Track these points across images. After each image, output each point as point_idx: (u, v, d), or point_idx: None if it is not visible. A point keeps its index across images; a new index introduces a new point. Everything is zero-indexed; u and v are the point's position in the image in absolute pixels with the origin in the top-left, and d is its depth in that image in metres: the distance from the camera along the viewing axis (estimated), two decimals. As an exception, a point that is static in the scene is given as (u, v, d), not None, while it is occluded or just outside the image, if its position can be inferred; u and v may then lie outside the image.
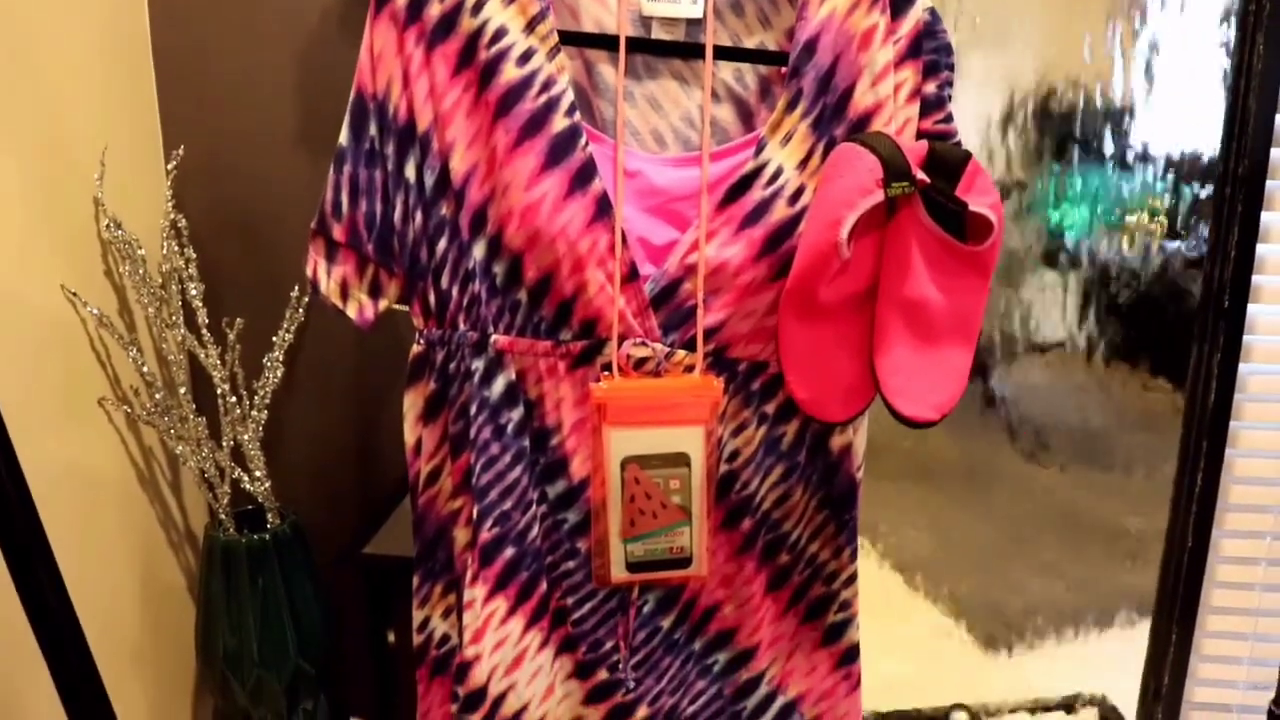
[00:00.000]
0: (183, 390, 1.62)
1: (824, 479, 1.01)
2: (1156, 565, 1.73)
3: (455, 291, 0.94)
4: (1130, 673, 1.83)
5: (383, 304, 0.98)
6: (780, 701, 1.08)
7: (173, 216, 1.60)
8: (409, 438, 1.00)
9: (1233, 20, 1.50)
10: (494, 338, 0.93)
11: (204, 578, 1.67)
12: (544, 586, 1.00)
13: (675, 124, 0.96)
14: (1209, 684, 1.74)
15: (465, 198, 0.91)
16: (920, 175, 0.89)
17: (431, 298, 0.95)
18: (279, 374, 1.64)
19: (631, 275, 0.91)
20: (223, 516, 1.66)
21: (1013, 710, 1.85)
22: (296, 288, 1.64)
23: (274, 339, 1.63)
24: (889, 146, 0.88)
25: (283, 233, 1.71)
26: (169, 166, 1.62)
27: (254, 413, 1.64)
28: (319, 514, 1.79)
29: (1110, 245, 1.67)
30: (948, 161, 0.91)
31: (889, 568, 1.91)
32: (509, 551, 0.97)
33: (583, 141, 0.88)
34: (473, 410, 0.94)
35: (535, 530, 0.98)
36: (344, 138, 0.93)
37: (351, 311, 0.97)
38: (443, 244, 0.93)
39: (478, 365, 0.94)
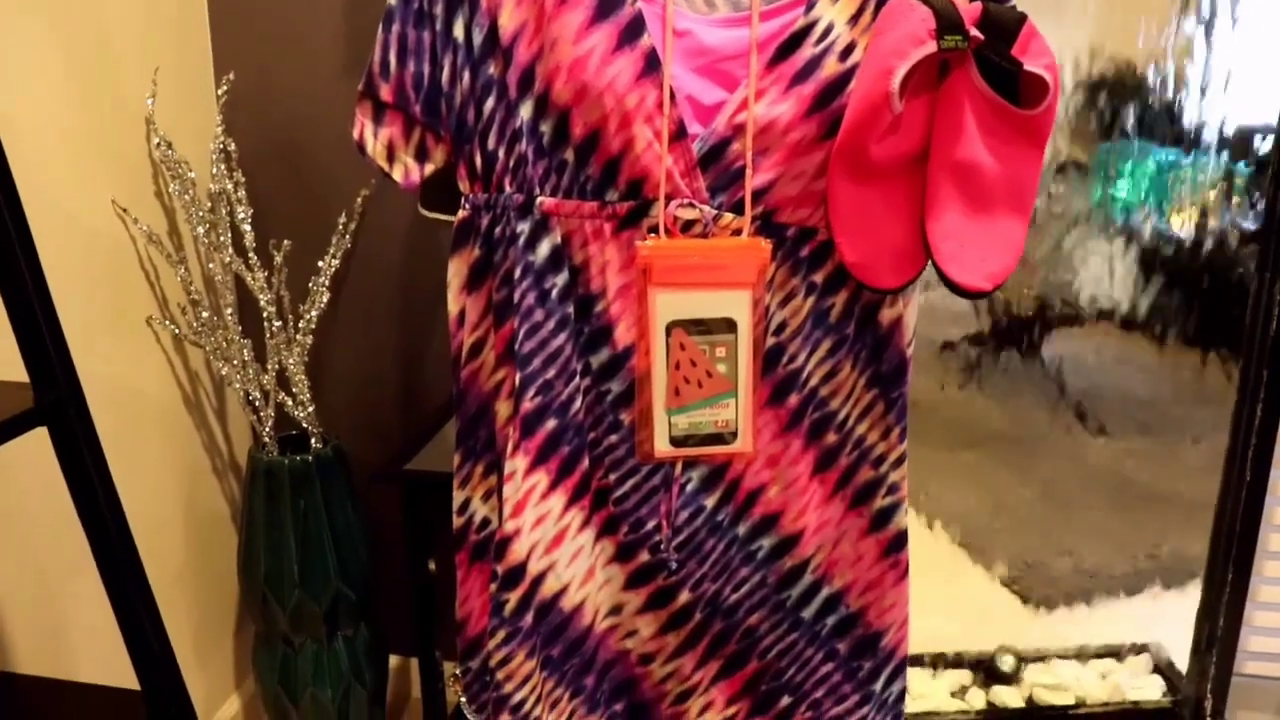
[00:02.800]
0: (229, 312, 1.63)
1: (873, 354, 0.99)
2: (1207, 531, 1.70)
3: (501, 153, 0.93)
4: (1182, 630, 1.79)
5: (429, 168, 0.97)
6: (825, 592, 1.06)
7: (222, 140, 1.61)
8: (452, 308, 0.99)
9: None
10: (540, 199, 0.92)
11: (246, 499, 1.68)
12: (586, 463, 0.98)
13: (725, -16, 0.95)
14: (1264, 632, 1.70)
15: (513, 56, 0.90)
16: (974, 32, 0.87)
17: (478, 160, 0.94)
18: (324, 300, 1.64)
19: (679, 133, 0.89)
20: (266, 439, 1.67)
21: (1060, 657, 1.81)
22: (344, 214, 1.65)
23: (320, 264, 1.64)
24: (942, 0, 0.86)
25: (331, 160, 1.72)
26: (219, 91, 1.64)
27: (299, 337, 1.64)
28: (361, 440, 1.79)
29: (1165, 218, 1.65)
30: (1003, 22, 0.89)
31: (937, 530, 1.89)
32: (551, 423, 0.96)
33: None
34: (517, 275, 0.93)
35: (578, 402, 0.96)
36: (392, -3, 0.93)
37: (397, 175, 0.97)
38: (490, 104, 0.92)
39: (523, 228, 0.93)
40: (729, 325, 0.93)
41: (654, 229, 0.91)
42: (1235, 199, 1.62)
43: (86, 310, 1.47)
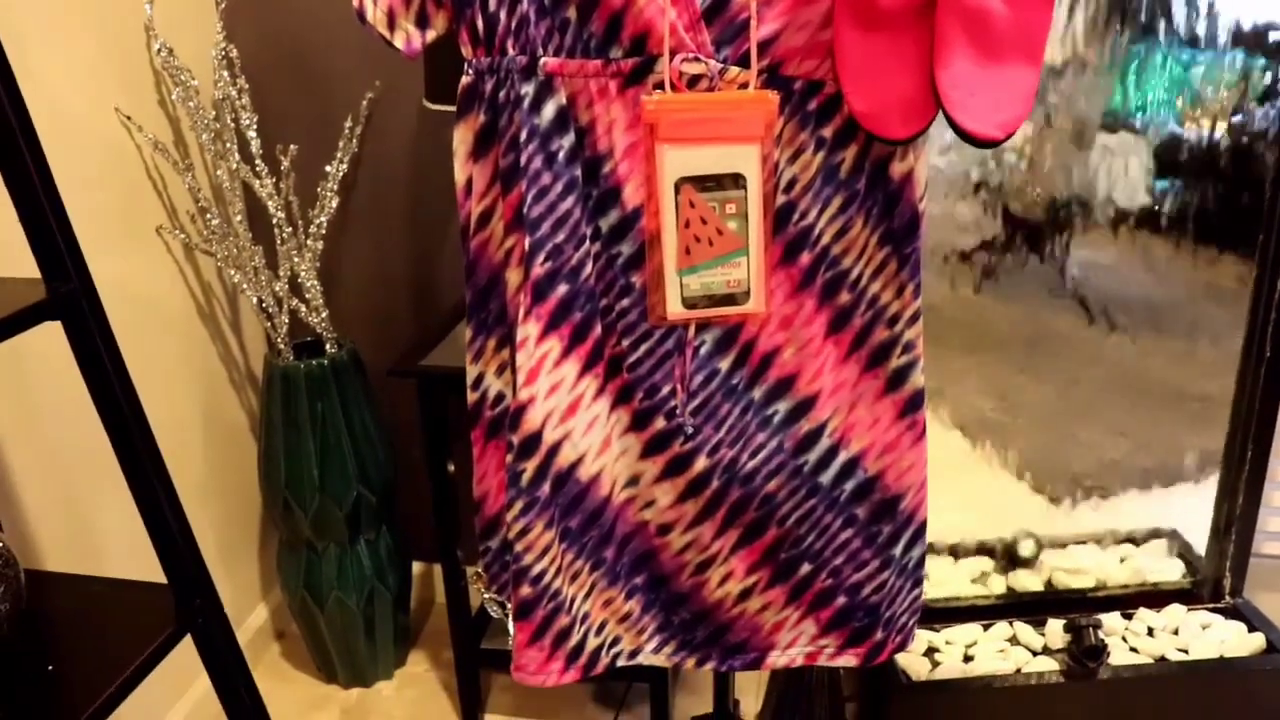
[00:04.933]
0: (238, 219, 1.63)
1: (885, 210, 0.98)
2: (1225, 427, 1.69)
3: (503, 14, 0.92)
4: (1200, 520, 1.80)
5: (430, 34, 0.96)
6: (843, 456, 1.06)
7: (224, 46, 1.60)
8: (459, 177, 0.99)
9: None
10: (543, 60, 0.91)
11: (264, 406, 1.69)
12: (598, 330, 0.98)
13: None
14: (1284, 512, 1.70)
15: (511, -88, 0.89)
16: None
17: (479, 23, 0.93)
18: (333, 204, 1.64)
19: (682, -15, 0.88)
20: (281, 346, 1.67)
21: (1080, 543, 1.82)
22: (349, 118, 1.64)
23: (327, 169, 1.63)
24: None
25: (333, 64, 1.70)
26: (218, -4, 1.62)
27: (309, 242, 1.64)
28: (376, 344, 1.80)
29: (1178, 119, 1.62)
30: None
31: (955, 430, 1.88)
32: (562, 288, 0.95)
33: None
34: (523, 138, 0.92)
35: (589, 268, 0.96)
36: None
37: (399, 42, 0.96)
38: (489, -37, 0.91)
39: (527, 90, 0.92)
40: (738, 181, 0.92)
41: (659, 85, 0.90)
42: (1250, 97, 1.59)
43: (96, 221, 1.47)
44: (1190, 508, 1.80)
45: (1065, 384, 1.84)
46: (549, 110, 0.92)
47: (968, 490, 1.87)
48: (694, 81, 0.91)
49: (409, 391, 1.61)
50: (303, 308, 1.66)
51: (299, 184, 1.65)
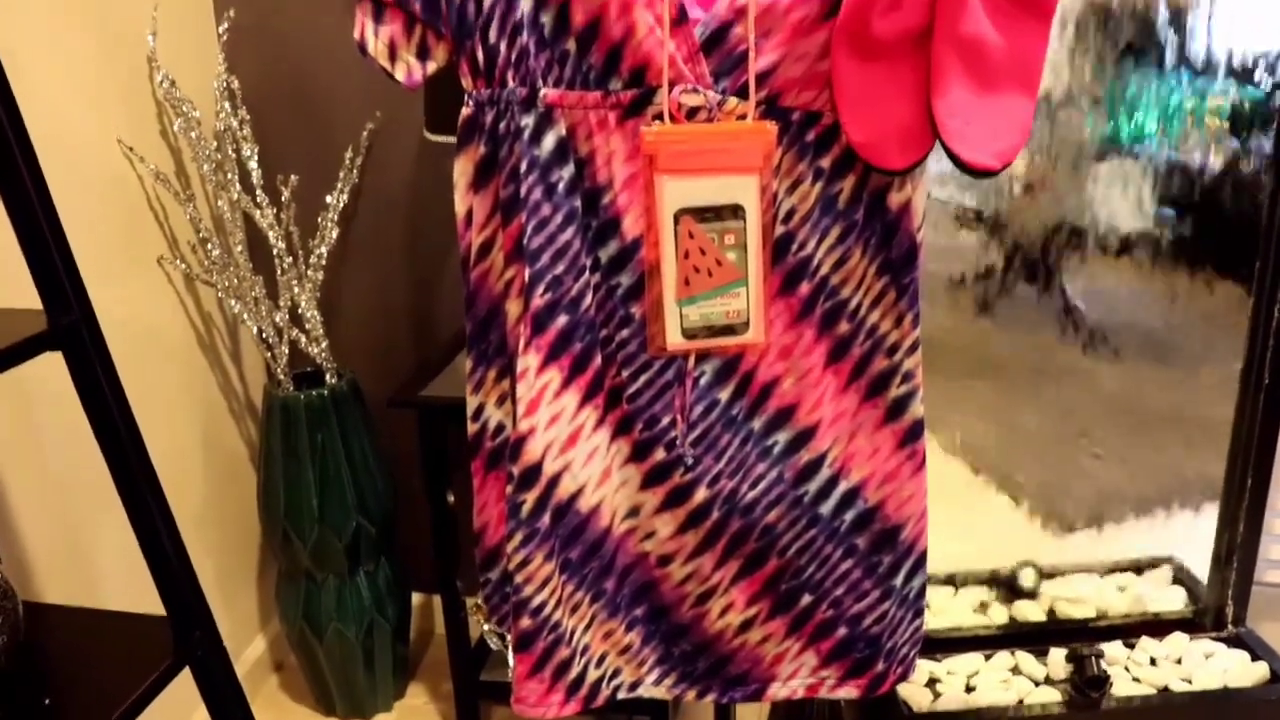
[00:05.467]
0: (239, 250, 1.63)
1: (883, 239, 0.98)
2: (1224, 453, 1.69)
3: (503, 46, 0.92)
4: (1201, 548, 1.79)
5: (431, 66, 0.97)
6: (843, 487, 1.05)
7: (226, 78, 1.61)
8: (459, 208, 0.99)
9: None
10: (543, 92, 0.92)
11: (264, 437, 1.69)
12: (598, 361, 0.98)
13: None
14: (1286, 540, 1.69)
15: (511, -54, 0.90)
16: (978, -99, 0.86)
17: (479, 55, 0.93)
18: (334, 235, 1.65)
19: (681, 18, 0.89)
20: (281, 376, 1.67)
21: (1081, 571, 1.81)
22: (350, 149, 1.65)
23: (328, 200, 1.64)
24: None
25: (334, 96, 1.71)
26: (221, 29, 1.63)
27: (310, 273, 1.65)
28: (376, 374, 1.80)
29: (1173, 145, 1.63)
30: (1006, -108, 0.87)
31: (953, 458, 1.88)
32: (562, 319, 0.95)
33: None
34: (523, 169, 0.93)
35: (589, 299, 0.96)
36: (388, -108, 0.92)
37: (400, 74, 0.97)
38: (489, -3, 0.91)
39: (527, 122, 0.92)
40: (737, 212, 0.92)
41: (658, 116, 0.91)
42: (1246, 123, 1.60)
43: (97, 251, 1.48)
44: (1191, 535, 1.79)
45: (1064, 410, 1.84)
46: (549, 141, 0.93)
47: (967, 518, 1.87)
48: (693, 113, 0.91)
49: (409, 421, 1.61)
50: (303, 338, 1.66)
51: (299, 214, 1.66)
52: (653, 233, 0.93)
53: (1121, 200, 1.68)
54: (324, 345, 1.67)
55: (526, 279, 0.94)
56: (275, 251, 1.63)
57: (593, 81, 0.91)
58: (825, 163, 0.95)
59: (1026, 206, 1.70)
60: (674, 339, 0.96)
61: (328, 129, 1.71)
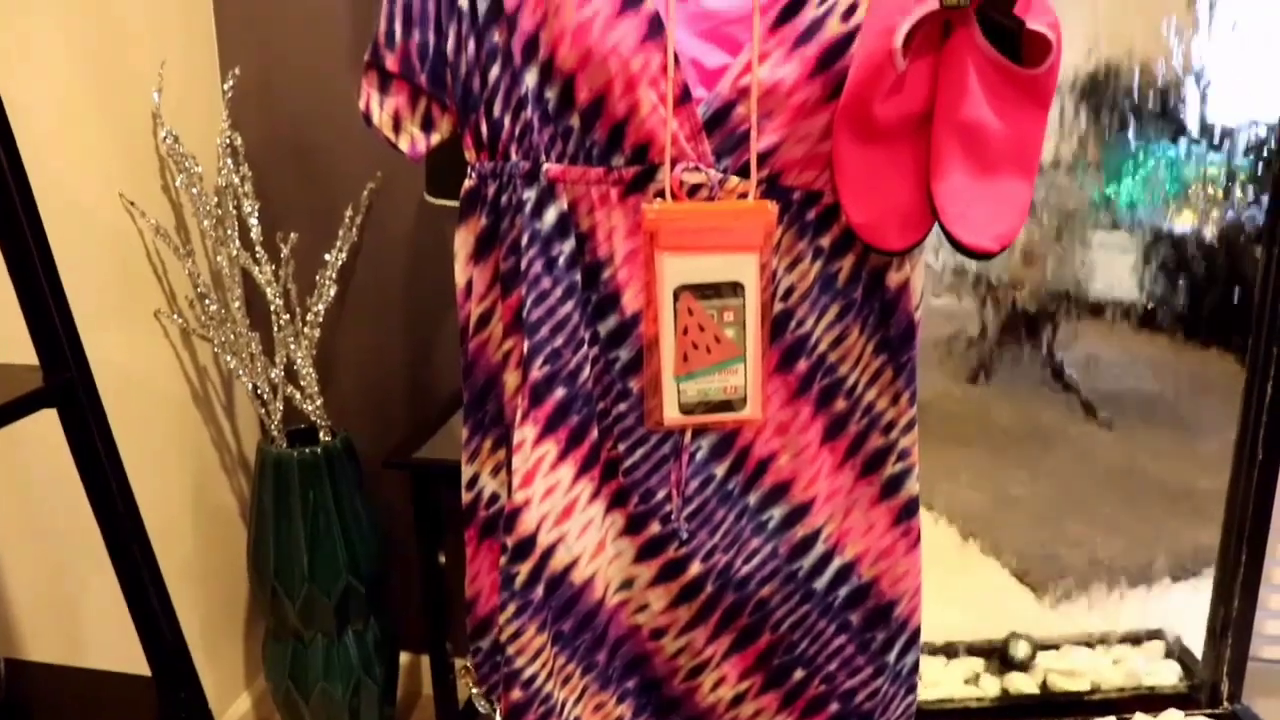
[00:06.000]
0: (236, 305, 1.64)
1: (881, 318, 0.98)
2: (1220, 523, 1.69)
3: (507, 121, 0.93)
4: (1196, 619, 1.78)
5: (435, 138, 0.97)
6: (837, 562, 1.05)
7: (229, 135, 1.62)
8: (459, 279, 0.99)
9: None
10: (546, 166, 0.92)
11: (255, 493, 1.68)
12: (595, 434, 0.98)
13: (728, -51, 0.95)
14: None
15: (517, 23, 0.91)
16: (977, -11, 0.87)
17: (483, 128, 0.94)
18: (331, 293, 1.65)
19: (684, 97, 0.89)
20: (274, 433, 1.67)
21: (1075, 643, 1.80)
22: (350, 208, 1.66)
23: (326, 257, 1.64)
24: (945, -42, 0.86)
25: (336, 154, 1.72)
26: (225, 86, 1.65)
27: (306, 330, 1.65)
28: (370, 433, 1.79)
29: (1168, 212, 1.65)
30: (1005, -19, 0.89)
31: (948, 526, 1.88)
32: (560, 392, 0.95)
33: None
34: (524, 242, 0.93)
35: (586, 372, 0.96)
36: (397, -34, 0.93)
37: (404, 145, 0.97)
38: (495, 71, 0.92)
39: (529, 196, 0.93)
40: (736, 289, 0.93)
41: (660, 193, 0.91)
42: (1240, 194, 1.62)
43: (95, 304, 1.48)
44: (1186, 606, 1.79)
45: (1059, 478, 1.84)
46: (550, 215, 0.93)
47: (960, 586, 1.86)
48: (694, 190, 0.92)
49: (401, 480, 1.60)
50: (297, 395, 1.66)
51: (298, 271, 1.66)
52: (652, 308, 0.93)
53: (1115, 268, 1.69)
54: (319, 402, 1.66)
55: (525, 351, 0.95)
56: (273, 308, 1.63)
57: (595, 157, 0.92)
58: (825, 242, 0.95)
59: (1020, 272, 1.71)
60: (671, 414, 0.96)
61: (328, 187, 1.72)
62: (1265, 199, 1.58)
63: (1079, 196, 1.65)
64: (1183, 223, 1.65)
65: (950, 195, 0.91)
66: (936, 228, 0.93)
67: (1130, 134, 1.61)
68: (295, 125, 1.73)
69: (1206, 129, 1.59)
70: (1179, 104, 1.59)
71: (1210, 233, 1.63)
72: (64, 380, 1.10)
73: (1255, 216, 1.60)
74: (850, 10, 0.89)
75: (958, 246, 0.91)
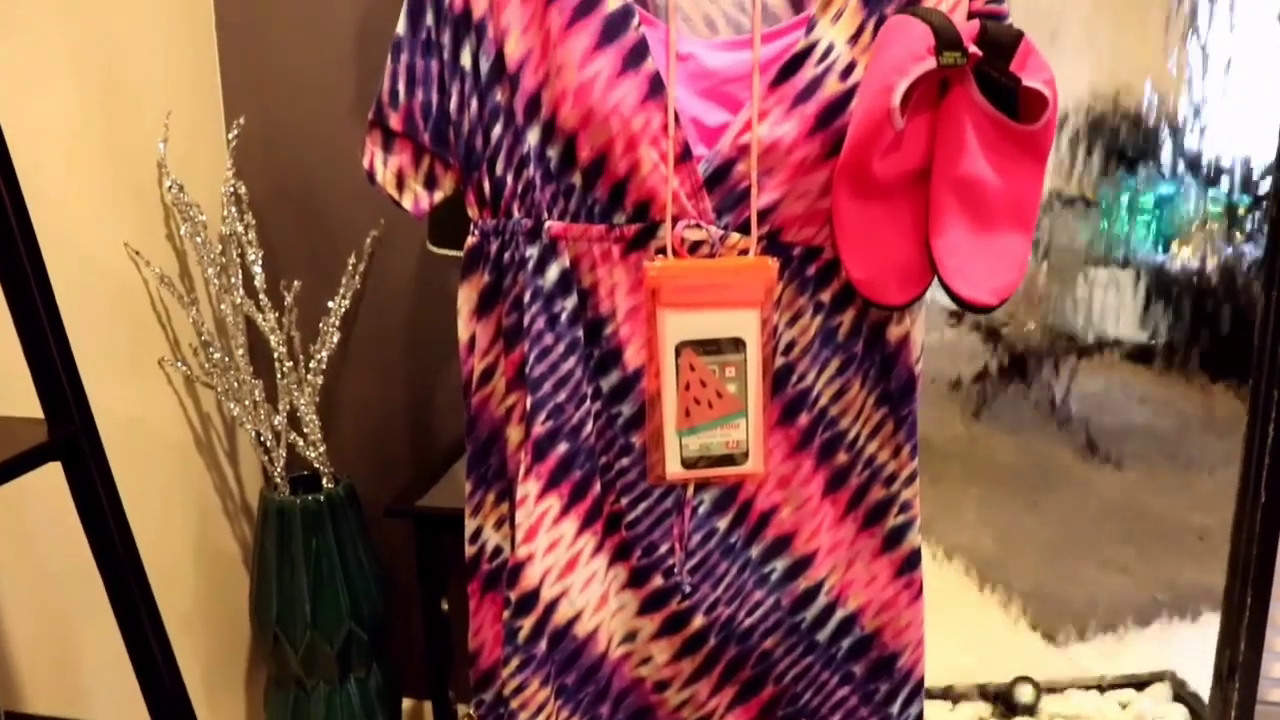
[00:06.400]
0: (240, 353, 1.64)
1: (882, 372, 0.99)
2: (1224, 561, 1.68)
3: (510, 179, 0.94)
4: (1201, 661, 1.77)
5: (438, 195, 0.98)
6: (840, 614, 1.05)
7: (233, 183, 1.63)
8: (463, 334, 1.00)
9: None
10: (548, 224, 0.93)
11: (258, 540, 1.68)
12: (598, 488, 0.98)
13: (726, 9, 0.96)
14: (1287, 658, 1.68)
15: (519, 83, 0.92)
16: (973, 49, 0.88)
17: (486, 186, 0.95)
18: (335, 340, 1.65)
19: (685, 155, 0.91)
20: (277, 480, 1.67)
21: (1080, 688, 1.79)
22: (353, 255, 1.67)
23: (330, 305, 1.65)
24: (940, 18, 0.88)
25: (340, 202, 1.73)
26: (230, 135, 1.66)
27: (310, 377, 1.65)
28: (373, 480, 1.79)
29: (1168, 249, 1.66)
30: (1000, 40, 0.90)
31: (951, 565, 1.88)
32: (562, 447, 0.96)
33: (635, 21, 0.89)
34: (526, 299, 0.94)
35: (589, 427, 0.97)
36: (401, 28, 0.94)
37: (407, 202, 0.98)
38: (497, 130, 0.93)
39: (531, 253, 0.94)
40: (738, 345, 0.93)
41: (661, 250, 0.92)
42: (1237, 230, 1.63)
43: (99, 352, 1.48)
44: (1193, 646, 1.78)
45: (1063, 517, 1.84)
46: (553, 272, 0.94)
47: (963, 627, 1.85)
48: (695, 247, 0.93)
49: (404, 526, 1.60)
50: (300, 442, 1.66)
51: (301, 319, 1.67)
52: (654, 364, 0.94)
53: (1117, 305, 1.70)
54: (322, 450, 1.67)
55: (528, 407, 0.95)
56: (276, 355, 1.63)
57: (597, 215, 0.93)
58: (825, 297, 0.96)
59: (1022, 310, 1.72)
60: (674, 468, 0.96)
61: (332, 235, 1.73)
62: (1264, 238, 1.58)
63: (1078, 233, 1.66)
64: (1182, 258, 1.65)
65: (949, 250, 0.92)
66: (935, 281, 0.94)
67: (1128, 171, 1.62)
68: (299, 174, 1.74)
69: (1204, 166, 1.60)
70: (1178, 141, 1.60)
71: (1210, 267, 1.64)
72: (68, 434, 1.10)
73: (1251, 252, 1.61)
74: (849, 69, 0.90)
75: (957, 301, 0.92)
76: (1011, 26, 0.92)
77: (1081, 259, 1.68)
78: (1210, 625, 1.73)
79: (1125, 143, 1.62)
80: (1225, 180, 1.61)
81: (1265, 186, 1.58)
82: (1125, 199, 1.65)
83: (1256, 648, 1.67)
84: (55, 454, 1.10)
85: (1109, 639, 1.85)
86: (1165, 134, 1.61)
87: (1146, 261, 1.66)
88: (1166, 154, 1.62)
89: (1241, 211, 1.61)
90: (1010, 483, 1.83)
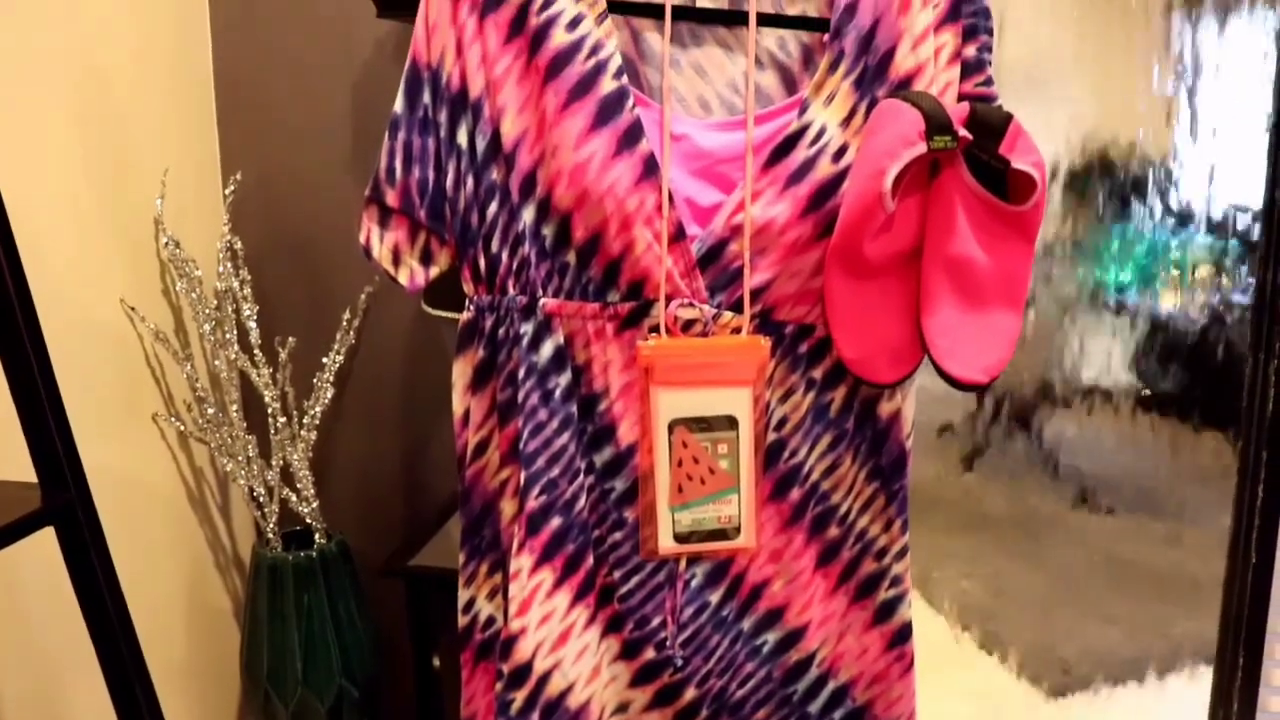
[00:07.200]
0: (234, 408, 1.65)
1: (873, 448, 1.00)
2: (1216, 612, 1.68)
3: (505, 256, 0.95)
4: (1196, 716, 1.77)
5: (433, 271, 0.99)
6: (831, 686, 1.05)
7: (229, 239, 1.64)
8: (457, 408, 1.01)
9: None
10: (543, 301, 0.94)
11: (250, 595, 1.67)
12: (590, 561, 0.99)
13: (720, 90, 0.98)
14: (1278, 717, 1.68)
15: (515, 162, 0.93)
16: (963, 132, 0.89)
17: (481, 263, 0.96)
18: (329, 395, 1.66)
19: (678, 235, 0.92)
20: (270, 535, 1.67)
21: (1073, 745, 1.79)
22: (348, 311, 1.67)
23: (324, 360, 1.65)
24: (931, 102, 0.89)
25: (335, 257, 1.74)
26: (227, 191, 1.67)
27: (303, 433, 1.65)
28: (366, 535, 1.79)
29: (1157, 297, 1.67)
30: (989, 122, 0.91)
31: (943, 618, 1.88)
32: (556, 521, 0.96)
33: (630, 103, 0.90)
34: (521, 375, 0.95)
35: (583, 500, 0.97)
36: (398, 106, 0.95)
37: (403, 278, 0.99)
38: (493, 208, 0.94)
39: (526, 329, 0.95)
40: (730, 423, 0.94)
41: (655, 328, 0.93)
42: (1226, 277, 1.64)
43: (93, 406, 1.48)
44: (1186, 700, 1.77)
45: (1053, 567, 1.84)
46: (547, 349, 0.95)
47: (954, 680, 1.85)
48: (688, 325, 0.93)
49: (397, 583, 1.60)
50: (293, 497, 1.66)
51: (295, 374, 1.67)
52: (647, 440, 0.95)
53: (1106, 353, 1.70)
54: (314, 505, 1.66)
55: (522, 481, 0.96)
56: (270, 410, 1.64)
57: (592, 293, 0.94)
58: (817, 374, 0.97)
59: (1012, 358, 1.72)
60: (666, 543, 0.97)
61: (327, 290, 1.74)
62: (1253, 287, 1.59)
63: (1068, 280, 1.67)
64: (1171, 306, 1.66)
65: (940, 330, 0.93)
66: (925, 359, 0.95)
67: (1117, 218, 1.63)
68: (295, 229, 1.75)
69: (1191, 213, 1.61)
70: (1169, 191, 1.61)
71: (1199, 314, 1.64)
72: (63, 501, 1.10)
73: (1240, 299, 1.61)
74: (841, 151, 0.92)
75: (948, 379, 0.93)
76: (1001, 108, 0.94)
77: (1071, 306, 1.69)
78: (1204, 678, 1.73)
79: (1114, 190, 1.63)
80: (1213, 228, 1.62)
81: (1245, 225, 1.59)
82: (1115, 246, 1.66)
83: (1250, 708, 1.67)
84: (49, 520, 1.10)
85: (1102, 691, 1.85)
86: (1155, 181, 1.63)
87: (1136, 309, 1.67)
88: (1156, 201, 1.63)
89: (1230, 259, 1.62)
90: (1000, 532, 1.83)
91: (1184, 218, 1.63)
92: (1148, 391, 1.69)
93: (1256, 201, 1.57)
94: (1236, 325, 1.63)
